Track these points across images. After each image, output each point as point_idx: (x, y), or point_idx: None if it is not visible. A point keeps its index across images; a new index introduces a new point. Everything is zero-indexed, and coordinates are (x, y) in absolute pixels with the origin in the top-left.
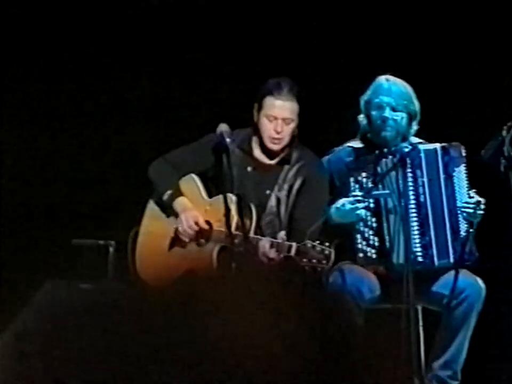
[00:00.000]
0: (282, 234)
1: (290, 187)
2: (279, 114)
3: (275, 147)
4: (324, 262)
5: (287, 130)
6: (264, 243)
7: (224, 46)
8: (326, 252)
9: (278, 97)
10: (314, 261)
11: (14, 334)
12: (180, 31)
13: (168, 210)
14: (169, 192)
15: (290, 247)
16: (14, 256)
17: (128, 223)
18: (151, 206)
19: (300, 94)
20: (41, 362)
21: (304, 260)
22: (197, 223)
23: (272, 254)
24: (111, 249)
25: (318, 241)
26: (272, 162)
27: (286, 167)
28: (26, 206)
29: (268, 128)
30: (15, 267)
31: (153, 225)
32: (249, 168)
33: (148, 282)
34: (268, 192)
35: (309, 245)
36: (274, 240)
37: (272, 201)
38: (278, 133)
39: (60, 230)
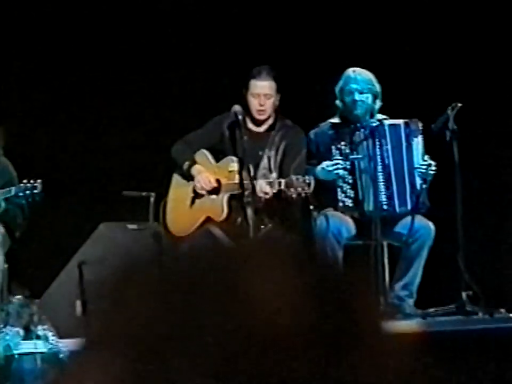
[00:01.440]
0: (273, 175)
1: (277, 148)
2: (260, 91)
3: (261, 117)
4: (307, 189)
5: (268, 104)
6: (261, 182)
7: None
8: (307, 181)
9: (259, 79)
10: (299, 189)
11: (77, 262)
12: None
13: (187, 176)
14: (187, 163)
15: (280, 182)
16: (79, 204)
17: (161, 181)
18: (175, 178)
19: (276, 76)
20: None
21: (292, 189)
22: (209, 181)
23: (268, 189)
24: (151, 199)
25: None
26: (261, 129)
27: (272, 133)
28: (88, 168)
29: (254, 103)
30: (80, 213)
31: (177, 192)
32: (245, 137)
33: (178, 235)
34: (260, 153)
35: (294, 178)
36: (268, 180)
37: (265, 160)
38: (261, 105)
39: (113, 183)
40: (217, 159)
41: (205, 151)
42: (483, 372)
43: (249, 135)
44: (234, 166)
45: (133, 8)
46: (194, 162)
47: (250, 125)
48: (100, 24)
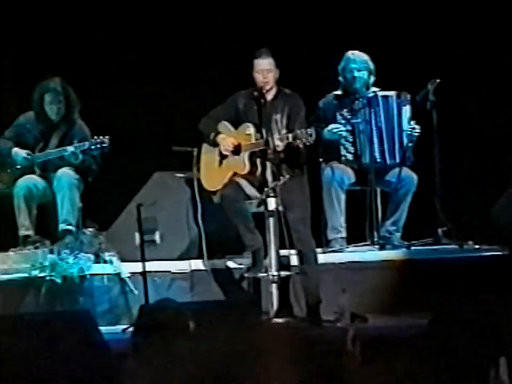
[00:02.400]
0: (283, 132)
1: (282, 111)
2: (263, 67)
3: (265, 86)
4: (310, 139)
5: (270, 76)
6: (273, 138)
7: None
8: (309, 132)
9: (260, 58)
10: (304, 139)
11: (136, 203)
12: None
13: (214, 144)
14: (212, 134)
15: (288, 136)
16: (138, 156)
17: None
18: (204, 146)
19: (274, 54)
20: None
21: (298, 141)
22: (232, 143)
23: (279, 143)
24: (194, 153)
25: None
26: (269, 97)
27: (276, 101)
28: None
29: (259, 77)
30: (139, 163)
31: (207, 157)
32: (255, 107)
33: (210, 189)
34: (269, 117)
35: (298, 131)
36: (278, 136)
37: (273, 122)
38: (264, 78)
39: (165, 140)
40: (236, 127)
41: (225, 122)
42: (454, 290)
43: (260, 106)
44: (251, 130)
45: None
46: (218, 132)
47: (256, 95)
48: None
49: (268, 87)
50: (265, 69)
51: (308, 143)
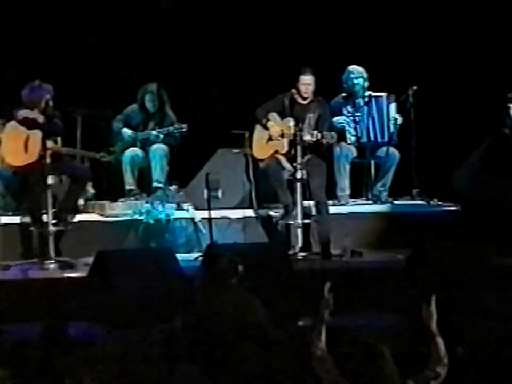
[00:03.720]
0: (313, 127)
1: (314, 113)
2: (306, 82)
3: (306, 95)
4: (331, 141)
5: (310, 88)
6: (305, 133)
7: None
8: (333, 135)
9: (305, 75)
10: (327, 140)
11: (205, 172)
12: None
13: (265, 127)
14: (264, 120)
15: (317, 135)
16: (207, 137)
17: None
18: (257, 127)
19: (314, 73)
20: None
21: (323, 139)
22: (277, 131)
23: (309, 137)
24: (246, 135)
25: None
26: (305, 102)
27: (311, 104)
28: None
29: (302, 88)
30: (206, 142)
31: (259, 135)
32: (296, 106)
33: (258, 158)
34: (305, 116)
35: (325, 133)
36: (310, 132)
37: (307, 120)
38: (306, 89)
39: (227, 126)
40: (281, 118)
41: (273, 113)
42: (423, 234)
43: (299, 106)
44: (291, 123)
45: None
46: (268, 119)
47: (300, 100)
48: None
49: (307, 95)
50: (307, 83)
51: (329, 143)
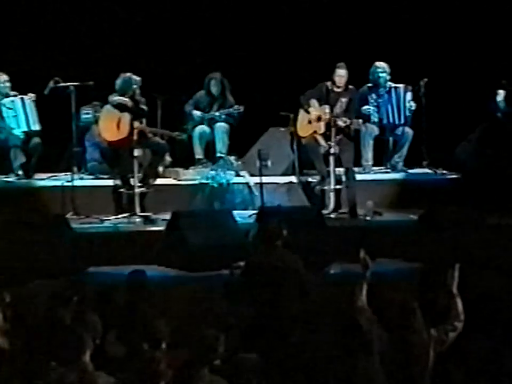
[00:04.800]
0: (344, 111)
1: (345, 99)
2: (340, 74)
3: (340, 85)
4: (359, 126)
5: (343, 80)
6: (339, 118)
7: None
8: (360, 122)
9: (340, 68)
10: (355, 125)
11: (257, 148)
12: None
13: (306, 111)
14: (306, 105)
15: (347, 121)
16: (255, 117)
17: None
18: (301, 112)
19: (347, 67)
20: None
21: (351, 125)
22: (316, 115)
23: (341, 122)
24: (291, 116)
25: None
26: (339, 90)
27: (344, 92)
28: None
29: (337, 79)
30: (261, 119)
31: (301, 117)
32: (332, 94)
33: (300, 135)
34: (338, 102)
35: (354, 120)
36: (341, 118)
37: (339, 105)
38: (340, 80)
39: (277, 108)
40: (320, 105)
41: (313, 100)
42: (432, 197)
43: (334, 93)
44: (327, 109)
45: None
46: (309, 105)
47: (335, 88)
48: None
49: (341, 84)
50: (341, 75)
51: (357, 127)
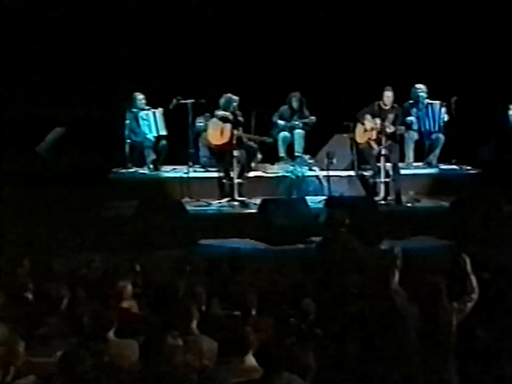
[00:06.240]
0: (391, 124)
1: (392, 114)
2: (388, 95)
3: (387, 103)
4: (403, 130)
5: (390, 99)
6: (387, 127)
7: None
8: (403, 128)
9: (387, 91)
10: (400, 130)
11: (325, 151)
12: None
13: (362, 123)
14: (361, 119)
15: (393, 128)
16: (327, 126)
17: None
18: (358, 125)
19: (393, 90)
20: None
21: (398, 131)
22: (370, 126)
23: (388, 130)
24: (351, 125)
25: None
26: (387, 108)
27: (391, 109)
28: None
29: (385, 99)
30: (326, 129)
31: (359, 128)
32: (381, 111)
33: (359, 141)
34: (386, 116)
35: (399, 127)
36: (389, 127)
37: (387, 119)
38: (387, 100)
39: (342, 119)
40: (372, 117)
41: (368, 115)
42: (460, 186)
43: (383, 110)
44: (378, 122)
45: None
46: (364, 118)
47: (383, 106)
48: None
49: (388, 103)
50: (388, 96)
51: (401, 133)
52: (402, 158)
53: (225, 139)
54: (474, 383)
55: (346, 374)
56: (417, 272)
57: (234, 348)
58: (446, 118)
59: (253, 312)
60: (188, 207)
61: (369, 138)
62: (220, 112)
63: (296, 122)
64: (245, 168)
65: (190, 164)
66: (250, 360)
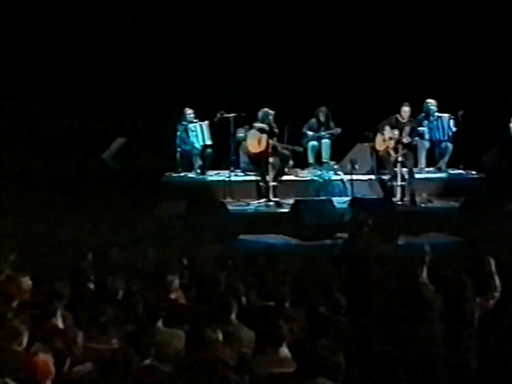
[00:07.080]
0: (408, 134)
1: (408, 127)
2: (405, 110)
3: (404, 117)
4: (417, 141)
5: (406, 114)
6: (404, 137)
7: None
8: (417, 139)
9: (404, 106)
10: (415, 141)
11: (349, 158)
12: None
13: (382, 134)
14: (381, 130)
15: (409, 139)
16: (349, 136)
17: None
18: (378, 134)
19: (410, 105)
20: None
21: (412, 142)
22: (389, 136)
23: (405, 140)
24: (370, 135)
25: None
26: (404, 121)
27: (408, 122)
28: None
29: (403, 113)
30: (347, 139)
31: (378, 137)
32: (399, 123)
33: (378, 149)
34: (403, 128)
35: (412, 138)
36: (407, 138)
37: (404, 130)
38: (405, 114)
39: (362, 130)
40: (392, 129)
41: (387, 126)
42: (467, 188)
43: (400, 123)
44: (396, 133)
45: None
46: (383, 129)
47: (400, 119)
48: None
49: (406, 117)
50: (405, 111)
51: (415, 143)
52: (416, 164)
53: (262, 147)
54: (492, 373)
55: (372, 362)
56: (436, 267)
57: (270, 339)
58: (454, 129)
59: (286, 304)
60: (229, 207)
61: (388, 147)
62: (258, 124)
63: (323, 133)
64: (279, 172)
65: (232, 169)
66: (285, 352)
